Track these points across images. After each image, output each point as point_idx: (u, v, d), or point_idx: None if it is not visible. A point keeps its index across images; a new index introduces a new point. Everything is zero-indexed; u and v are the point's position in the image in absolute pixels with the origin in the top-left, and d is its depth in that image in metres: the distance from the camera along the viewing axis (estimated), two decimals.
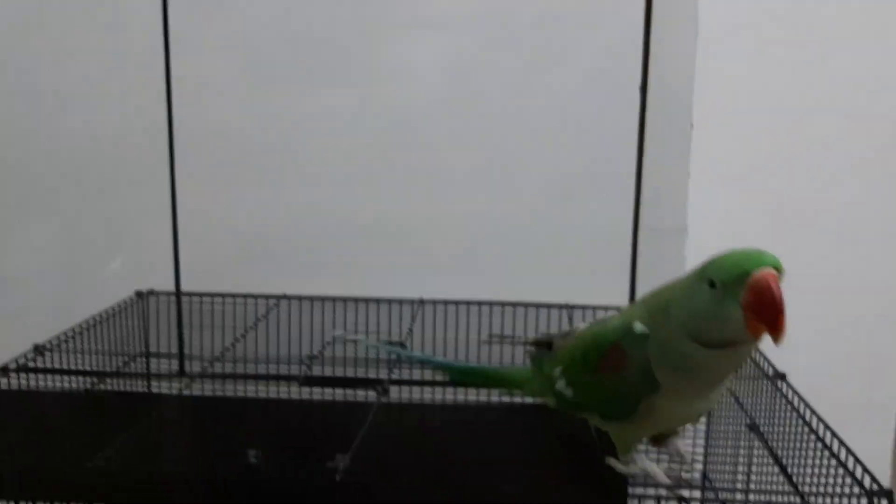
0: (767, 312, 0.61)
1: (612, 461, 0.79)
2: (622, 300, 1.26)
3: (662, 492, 0.76)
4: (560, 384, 0.80)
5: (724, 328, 0.64)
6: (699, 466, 0.85)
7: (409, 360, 0.96)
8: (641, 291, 1.26)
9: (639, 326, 0.71)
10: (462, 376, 0.94)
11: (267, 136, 1.27)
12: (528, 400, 0.93)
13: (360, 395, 1.03)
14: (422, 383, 1.12)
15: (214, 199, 1.29)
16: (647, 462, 0.77)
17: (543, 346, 0.86)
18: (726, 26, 1.20)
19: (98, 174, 1.29)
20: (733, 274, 0.62)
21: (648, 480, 0.76)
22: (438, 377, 1.12)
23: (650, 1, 1.20)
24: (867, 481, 0.72)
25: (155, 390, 1.17)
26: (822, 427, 0.82)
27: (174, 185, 1.28)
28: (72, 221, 1.30)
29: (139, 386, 1.17)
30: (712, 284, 0.63)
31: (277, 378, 1.10)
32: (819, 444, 0.80)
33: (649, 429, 0.77)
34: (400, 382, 1.11)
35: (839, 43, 1.21)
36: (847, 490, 0.72)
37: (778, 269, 0.63)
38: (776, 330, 0.60)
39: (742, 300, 0.62)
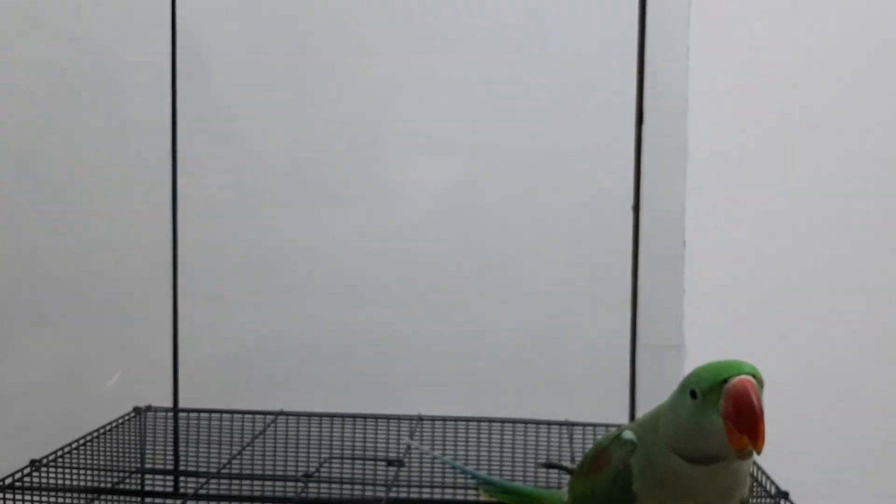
0: (746, 419, 0.60)
1: None
2: (622, 418, 1.25)
3: None
4: (563, 493, 0.80)
5: (706, 440, 0.62)
6: None
7: (471, 476, 0.94)
8: (641, 408, 1.26)
9: (628, 434, 0.71)
10: (502, 494, 0.89)
11: (268, 255, 1.29)
12: None
13: None
14: (423, 503, 1.10)
15: (215, 316, 1.30)
16: None
17: None
18: (717, 146, 1.24)
19: (101, 290, 1.31)
20: (711, 382, 0.62)
21: None
22: (437, 497, 1.11)
23: (641, 126, 1.25)
24: None
25: None
26: None
27: (176, 301, 1.30)
28: (73, 336, 1.31)
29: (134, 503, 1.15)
30: (693, 395, 0.63)
31: (273, 500, 1.08)
32: None
33: None
34: (398, 503, 1.09)
35: (830, 153, 1.24)
36: None
37: (757, 377, 0.62)
38: (755, 437, 0.59)
39: (722, 409, 0.61)
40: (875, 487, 1.26)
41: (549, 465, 1.00)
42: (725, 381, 0.61)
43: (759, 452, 0.61)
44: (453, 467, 0.94)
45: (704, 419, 0.62)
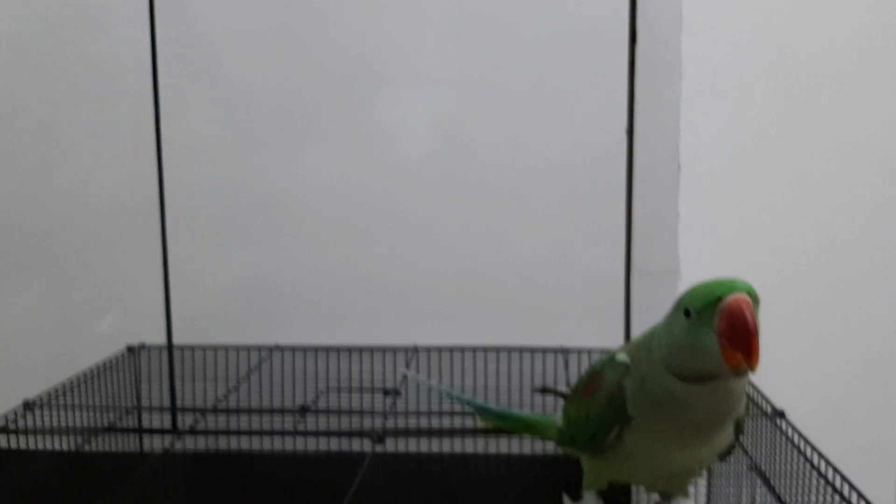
0: (740, 337, 0.59)
1: (565, 497, 0.77)
2: (617, 343, 1.25)
3: None
4: (558, 418, 0.81)
5: (701, 358, 0.62)
6: None
7: (467, 404, 0.94)
8: (636, 333, 1.26)
9: (621, 356, 0.71)
10: (498, 420, 0.90)
11: (258, 191, 1.27)
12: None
13: (355, 444, 1.01)
14: (418, 433, 1.11)
15: (205, 253, 1.29)
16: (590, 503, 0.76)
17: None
18: (711, 68, 1.22)
19: (89, 231, 1.29)
20: (706, 301, 0.61)
21: None
22: (434, 425, 1.11)
23: (634, 47, 1.22)
24: None
25: (146, 445, 1.15)
26: (823, 464, 0.81)
27: (165, 239, 1.28)
28: (63, 277, 1.30)
29: (130, 441, 1.15)
30: (687, 314, 0.62)
31: (271, 432, 1.09)
32: (822, 481, 0.79)
33: (622, 468, 0.74)
34: (395, 433, 1.09)
35: (825, 80, 1.22)
36: None
37: (751, 294, 0.62)
38: (749, 354, 0.59)
39: (716, 327, 0.61)
40: (869, 405, 1.28)
41: (543, 391, 1.00)
42: (720, 299, 0.61)
43: (753, 370, 0.60)
44: (449, 396, 0.94)
45: (699, 337, 0.61)
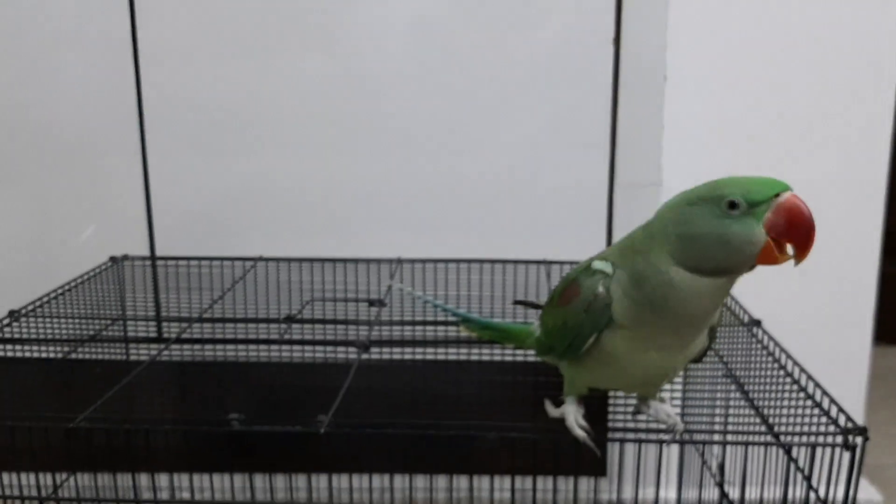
0: (801, 232, 0.61)
1: (547, 402, 0.79)
2: None
3: (642, 435, 0.76)
4: (535, 327, 0.82)
5: (736, 250, 0.62)
6: (678, 411, 0.86)
7: (449, 313, 0.96)
8: None
9: (598, 264, 0.71)
10: (480, 329, 0.93)
11: (238, 101, 1.25)
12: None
13: (341, 354, 1.03)
14: (401, 343, 1.12)
15: (186, 164, 1.27)
16: (571, 408, 0.77)
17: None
18: None
19: (68, 142, 1.27)
20: (763, 195, 0.62)
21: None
22: (419, 335, 1.13)
23: None
24: (842, 420, 0.73)
25: (133, 355, 1.16)
26: (797, 370, 0.84)
27: (145, 150, 1.27)
28: (42, 189, 1.28)
29: (117, 350, 1.16)
30: (733, 206, 0.62)
31: (257, 341, 1.10)
32: (794, 387, 0.82)
33: (601, 374, 0.76)
34: (380, 343, 1.11)
35: None
36: (823, 429, 0.74)
37: None
38: (805, 248, 0.62)
39: (768, 221, 0.61)
40: (841, 317, 1.31)
41: (520, 303, 1.02)
42: (778, 194, 0.62)
43: (798, 263, 0.63)
44: (434, 306, 0.95)
45: (742, 230, 0.62)
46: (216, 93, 1.25)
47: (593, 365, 0.74)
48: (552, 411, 0.79)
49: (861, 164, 1.26)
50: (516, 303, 1.04)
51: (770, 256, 0.62)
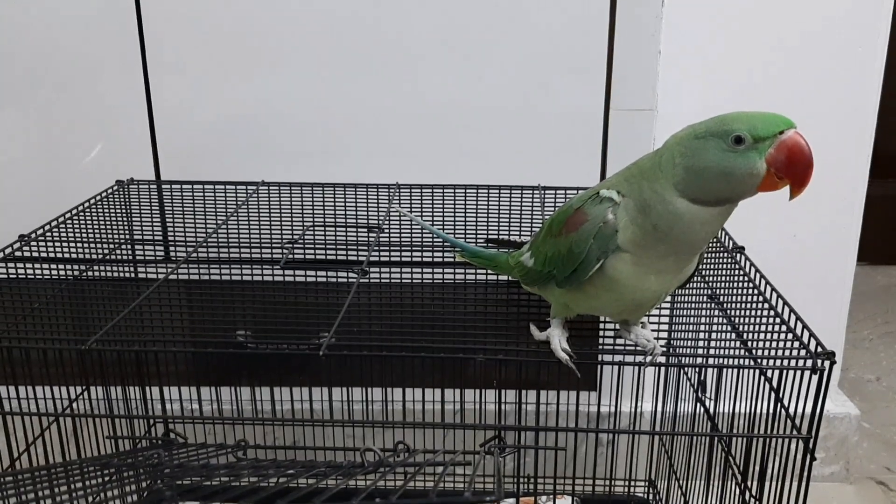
0: (800, 168, 0.65)
1: (532, 326, 0.84)
2: (593, 180, 1.29)
3: (629, 358, 0.81)
4: (525, 257, 0.85)
5: (738, 181, 0.67)
6: (664, 335, 0.90)
7: (443, 239, 1.01)
8: (612, 171, 1.29)
9: (605, 192, 0.74)
10: (471, 256, 0.98)
11: (239, 26, 1.26)
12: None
13: (341, 276, 1.07)
14: (399, 264, 1.16)
15: (188, 88, 1.28)
16: (556, 332, 0.82)
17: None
18: None
19: (70, 67, 1.28)
20: (768, 131, 0.66)
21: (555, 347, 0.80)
22: (416, 258, 1.17)
23: None
24: (813, 345, 0.78)
25: (141, 275, 1.20)
26: (775, 296, 0.88)
27: (147, 75, 1.28)
28: (46, 114, 1.30)
29: (126, 272, 1.20)
30: (738, 141, 0.66)
31: (261, 262, 1.13)
32: (771, 313, 0.86)
33: (596, 300, 0.78)
34: (379, 264, 1.15)
35: None
36: (795, 353, 0.78)
37: None
38: (803, 185, 0.66)
39: (770, 156, 0.65)
40: (824, 237, 1.34)
41: (493, 242, 1.04)
42: (782, 131, 0.66)
43: (793, 198, 0.67)
44: (430, 232, 0.98)
45: (745, 163, 0.66)
46: (217, 17, 1.25)
47: (592, 290, 0.77)
48: (537, 334, 0.83)
49: (852, 85, 1.27)
50: (489, 241, 1.06)
51: (770, 185, 0.67)
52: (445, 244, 1.11)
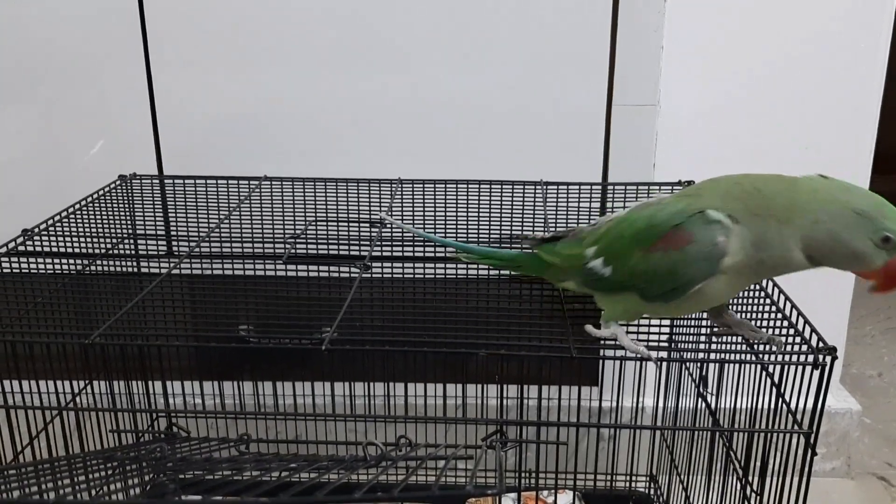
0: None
1: (589, 327, 0.83)
2: (596, 176, 1.29)
3: (628, 353, 0.81)
4: (594, 263, 0.81)
5: (858, 265, 0.70)
6: (666, 329, 0.90)
7: (441, 244, 0.98)
8: (614, 167, 1.30)
9: (714, 214, 0.72)
10: (478, 257, 0.95)
11: (241, 21, 1.26)
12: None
13: (344, 271, 1.07)
14: (402, 259, 1.16)
15: (191, 83, 1.29)
16: (621, 329, 0.81)
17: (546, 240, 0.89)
18: None
19: (71, 62, 1.28)
20: None
21: (622, 345, 0.79)
22: (419, 253, 1.17)
23: None
24: (814, 340, 0.78)
25: (144, 270, 1.20)
26: (777, 292, 0.88)
27: (149, 69, 1.28)
28: (48, 109, 1.30)
29: (129, 267, 1.21)
30: (886, 240, 0.68)
31: (263, 257, 1.13)
32: (773, 308, 0.86)
33: (679, 308, 0.78)
34: (381, 259, 1.15)
35: None
36: (797, 348, 0.78)
37: None
38: (887, 291, 0.71)
39: (893, 261, 0.68)
40: None
41: (521, 239, 0.98)
42: None
43: (874, 293, 0.72)
44: (432, 240, 0.98)
45: (875, 258, 0.69)
46: (219, 13, 1.25)
47: (677, 303, 0.76)
48: (597, 332, 0.81)
49: (854, 80, 1.27)
50: (512, 238, 1.03)
51: (867, 274, 0.71)
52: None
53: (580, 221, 1.18)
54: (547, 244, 0.88)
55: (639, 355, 0.79)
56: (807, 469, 0.78)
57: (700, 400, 1.06)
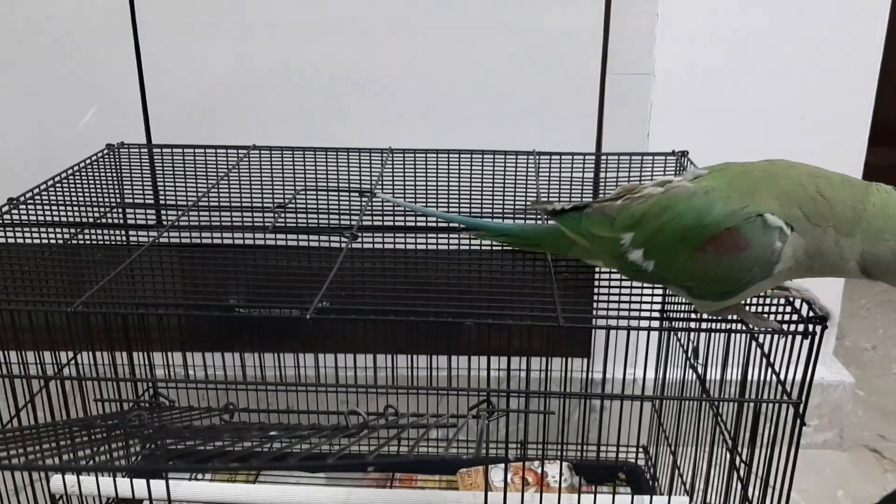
0: None
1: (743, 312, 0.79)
2: (589, 145, 1.28)
3: (623, 322, 0.80)
4: (635, 255, 0.76)
5: None
6: (658, 300, 0.90)
7: (441, 219, 0.95)
8: (608, 137, 1.28)
9: (774, 219, 0.69)
10: (493, 235, 0.89)
11: None
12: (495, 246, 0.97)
13: (333, 240, 1.06)
14: (393, 229, 1.15)
15: (179, 52, 1.27)
16: (747, 309, 0.79)
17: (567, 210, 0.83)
18: None
19: (58, 30, 1.26)
20: None
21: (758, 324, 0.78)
22: (410, 223, 1.16)
23: None
24: (805, 310, 0.77)
25: (132, 240, 1.19)
26: None
27: (137, 37, 1.26)
28: (35, 79, 1.29)
29: (117, 237, 1.20)
30: None
31: (252, 228, 1.12)
32: None
33: (729, 302, 0.76)
34: (372, 229, 1.14)
35: None
36: (787, 318, 0.78)
37: None
38: None
39: None
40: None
41: (550, 212, 0.86)
42: None
43: None
44: (436, 216, 0.96)
45: None
46: None
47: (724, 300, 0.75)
48: (747, 315, 0.79)
49: (852, 49, 1.25)
50: (549, 213, 0.92)
51: None
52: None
53: (573, 192, 1.17)
54: (568, 215, 0.82)
55: (769, 329, 0.77)
56: (795, 439, 0.78)
57: (691, 371, 1.05)
